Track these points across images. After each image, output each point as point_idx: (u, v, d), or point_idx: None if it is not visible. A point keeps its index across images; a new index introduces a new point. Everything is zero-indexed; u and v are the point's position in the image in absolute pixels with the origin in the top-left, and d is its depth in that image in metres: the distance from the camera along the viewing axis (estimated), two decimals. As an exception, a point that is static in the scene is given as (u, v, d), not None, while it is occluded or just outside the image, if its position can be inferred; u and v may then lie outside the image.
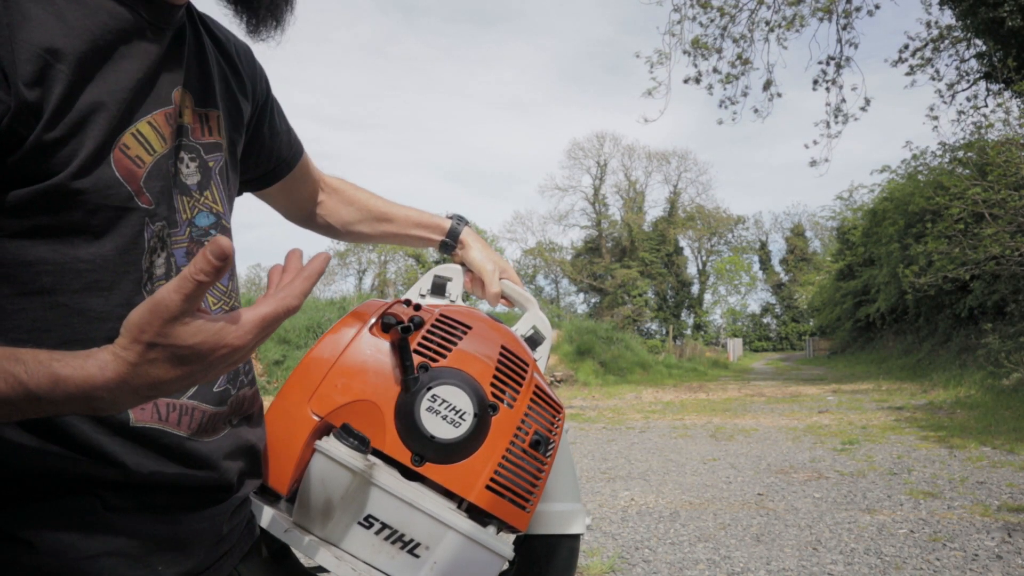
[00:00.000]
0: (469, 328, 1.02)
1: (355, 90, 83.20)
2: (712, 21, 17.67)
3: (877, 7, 17.23)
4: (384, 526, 0.93)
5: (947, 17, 16.74)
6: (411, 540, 0.93)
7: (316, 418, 0.95)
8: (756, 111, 19.89)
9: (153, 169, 0.77)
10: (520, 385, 1.01)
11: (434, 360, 0.97)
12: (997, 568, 3.54)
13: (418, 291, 1.31)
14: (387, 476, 0.93)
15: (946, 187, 13.69)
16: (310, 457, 0.94)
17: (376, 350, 0.98)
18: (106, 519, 0.74)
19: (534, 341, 1.31)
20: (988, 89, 16.98)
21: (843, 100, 27.44)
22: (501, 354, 1.02)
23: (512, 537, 1.03)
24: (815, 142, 22.87)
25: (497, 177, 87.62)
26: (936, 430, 8.47)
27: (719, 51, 18.05)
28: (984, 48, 15.76)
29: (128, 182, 0.75)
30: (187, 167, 0.83)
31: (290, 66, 78.77)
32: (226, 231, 0.89)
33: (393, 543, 0.93)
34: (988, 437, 7.68)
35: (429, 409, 0.93)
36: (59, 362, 0.60)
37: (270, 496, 1.00)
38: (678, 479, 6.12)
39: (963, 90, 17.68)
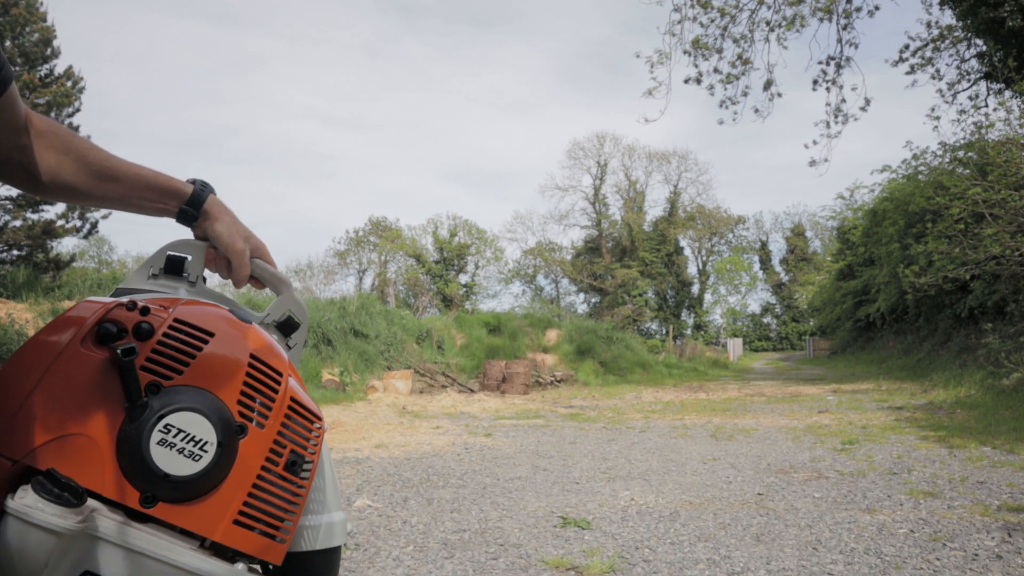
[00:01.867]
0: (211, 335, 0.86)
1: (354, 90, 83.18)
2: (712, 21, 17.67)
3: (877, 8, 17.23)
4: None
5: (947, 17, 16.74)
6: None
7: (8, 461, 0.76)
8: (756, 111, 19.91)
9: None
10: (273, 400, 0.87)
11: (167, 378, 0.81)
12: (997, 568, 3.53)
13: (149, 270, 1.07)
14: (108, 523, 0.76)
15: (946, 187, 13.69)
16: None
17: (89, 369, 0.79)
18: None
19: (289, 326, 1.14)
20: (989, 89, 16.98)
21: (843, 100, 27.43)
22: (250, 364, 0.87)
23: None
24: (815, 142, 22.83)
25: (497, 177, 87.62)
26: (936, 430, 8.46)
27: (719, 51, 18.05)
28: (984, 48, 15.75)
29: None
30: None
31: (291, 66, 78.73)
32: None
33: None
34: (988, 437, 7.67)
35: (161, 442, 0.77)
36: None
37: None
38: (678, 479, 6.11)
39: (964, 90, 17.69)
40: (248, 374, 0.86)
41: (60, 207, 15.29)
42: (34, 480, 0.73)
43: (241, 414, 0.84)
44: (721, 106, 18.79)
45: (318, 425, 0.93)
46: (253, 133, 79.06)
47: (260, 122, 79.72)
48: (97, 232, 16.73)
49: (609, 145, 57.06)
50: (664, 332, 48.12)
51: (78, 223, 15.71)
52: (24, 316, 12.01)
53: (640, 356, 23.26)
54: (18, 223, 15.12)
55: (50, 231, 15.19)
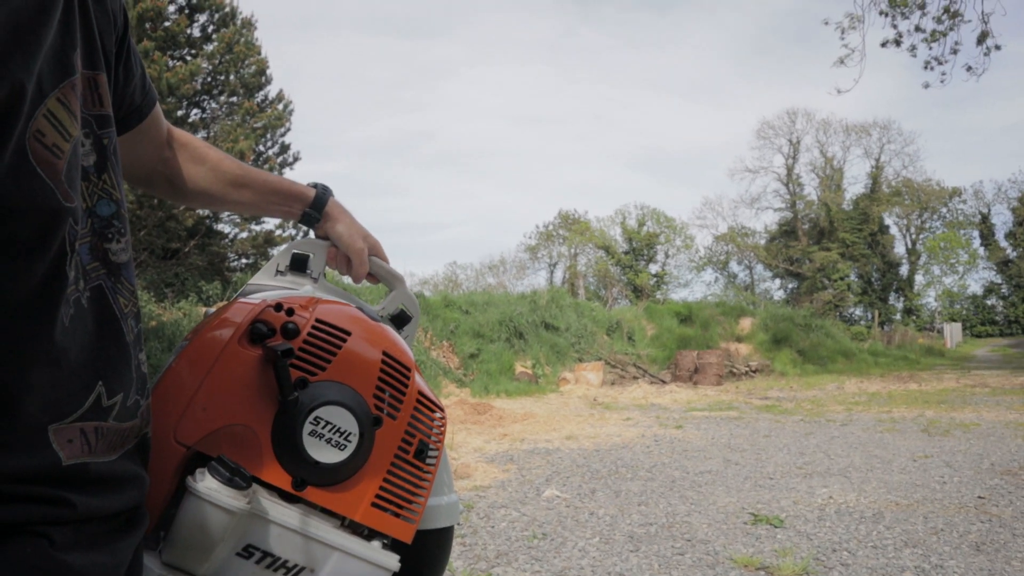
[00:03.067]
0: (348, 334, 0.92)
1: (537, 87, 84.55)
2: (914, -25, 16.18)
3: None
4: (265, 554, 0.86)
5: None
6: (295, 565, 0.87)
7: (183, 447, 0.85)
8: (969, 69, 17.90)
9: (71, 159, 0.63)
10: (403, 394, 0.95)
11: (312, 373, 0.88)
12: None
13: (275, 267, 1.16)
14: (266, 503, 0.86)
15: None
16: (175, 491, 0.85)
17: (247, 365, 0.87)
18: (55, 558, 0.64)
19: (402, 320, 1.21)
20: None
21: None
22: (383, 361, 0.94)
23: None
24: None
25: (683, 163, 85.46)
26: None
27: (922, 7, 16.50)
28: None
29: (49, 177, 0.60)
30: (84, 145, 0.68)
31: (476, 69, 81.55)
32: (124, 221, 0.74)
33: (276, 570, 0.87)
34: None
35: (312, 433, 0.86)
36: None
37: None
38: (883, 477, 5.72)
39: None
40: (382, 370, 0.93)
41: (277, 220, 16.93)
42: (210, 465, 0.82)
43: (376, 407, 0.91)
44: (926, 67, 17.14)
45: (440, 416, 1.00)
46: (446, 136, 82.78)
47: (452, 125, 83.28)
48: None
49: (801, 121, 53.86)
50: (869, 318, 44.77)
51: (293, 232, 17.32)
52: (251, 318, 13.45)
53: (842, 344, 21.88)
54: (244, 234, 16.92)
55: (270, 240, 16.85)
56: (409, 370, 0.97)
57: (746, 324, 22.44)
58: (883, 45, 17.03)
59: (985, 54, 16.98)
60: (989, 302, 55.22)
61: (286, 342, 0.87)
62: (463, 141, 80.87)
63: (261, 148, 16.30)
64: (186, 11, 15.41)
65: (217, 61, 15.53)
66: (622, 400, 12.96)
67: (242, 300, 0.98)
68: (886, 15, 16.68)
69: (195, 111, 16.21)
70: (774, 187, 50.90)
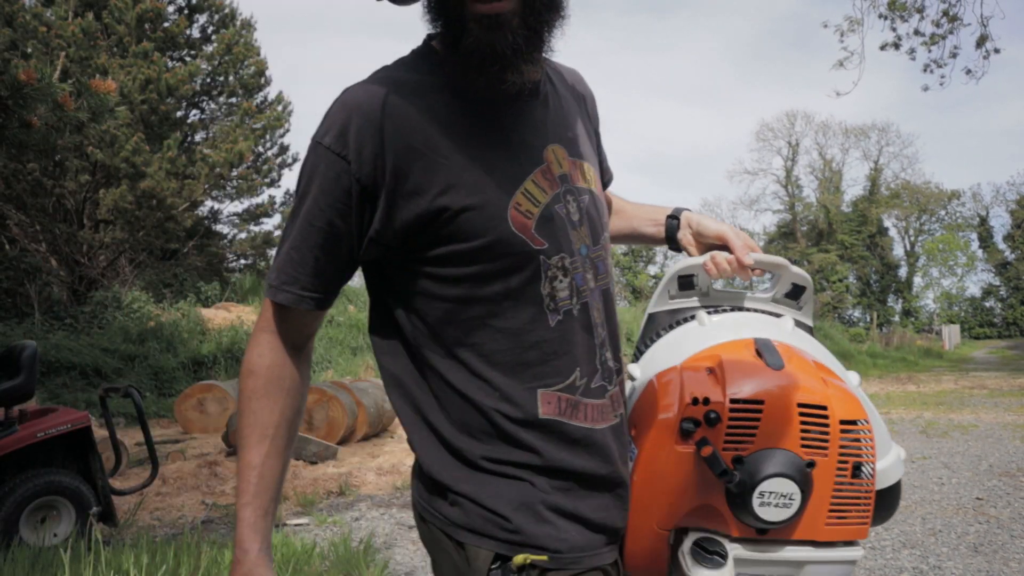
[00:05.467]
0: (762, 403, 1.02)
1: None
2: (913, -21, 16.19)
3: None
4: None
5: None
6: None
7: (665, 531, 1.07)
8: (969, 72, 17.91)
9: (540, 217, 0.99)
10: (827, 431, 1.03)
11: (743, 449, 1.02)
12: None
13: (667, 292, 1.28)
14: (743, 552, 1.05)
15: None
16: (672, 557, 1.09)
17: (689, 462, 1.02)
18: (538, 496, 0.97)
19: (797, 292, 1.27)
20: None
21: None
22: (800, 413, 1.02)
23: None
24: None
25: (683, 165, 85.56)
26: None
27: (920, 11, 16.51)
28: None
29: (520, 231, 0.97)
30: (571, 207, 1.03)
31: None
32: (595, 260, 1.06)
33: None
34: None
35: (761, 504, 1.00)
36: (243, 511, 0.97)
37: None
38: (882, 479, 5.73)
39: None
40: (802, 422, 1.02)
41: (276, 219, 16.91)
42: (693, 550, 1.05)
43: (806, 453, 1.02)
44: (925, 71, 17.11)
45: (864, 426, 1.07)
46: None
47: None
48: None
49: (800, 124, 53.91)
50: (868, 320, 44.80)
51: (291, 233, 17.34)
52: (251, 318, 13.43)
53: (840, 345, 21.88)
54: (244, 235, 16.92)
55: (269, 241, 16.84)
56: (824, 408, 1.04)
57: (745, 326, 22.39)
58: (882, 48, 17.05)
59: (984, 57, 17.02)
60: (987, 304, 55.28)
61: (707, 440, 1.01)
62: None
63: (260, 149, 16.29)
64: (185, 12, 15.41)
65: (216, 62, 15.53)
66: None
67: (665, 399, 1.08)
68: (885, 18, 16.71)
69: (194, 112, 16.21)
70: (773, 189, 50.93)
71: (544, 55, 0.99)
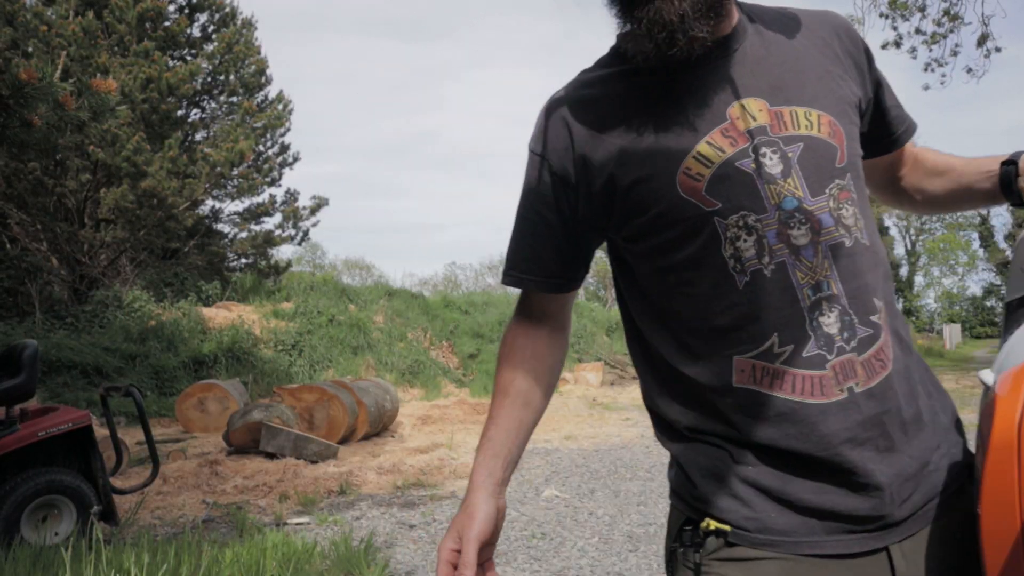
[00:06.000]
0: None
1: (537, 88, 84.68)
2: (914, -22, 16.18)
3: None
4: None
5: None
6: None
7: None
8: (969, 71, 17.91)
9: (713, 177, 0.96)
10: None
11: None
12: None
13: (1021, 273, 1.08)
14: None
15: None
16: None
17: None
18: (732, 468, 0.96)
19: None
20: None
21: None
22: None
23: None
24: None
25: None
26: None
27: (922, 9, 16.50)
28: None
29: (690, 195, 0.96)
30: (769, 160, 0.96)
31: (476, 71, 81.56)
32: (807, 213, 0.96)
33: None
34: None
35: None
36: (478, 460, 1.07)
37: None
38: (883, 478, 5.73)
39: None
40: None
41: (277, 218, 16.93)
42: None
43: None
44: (926, 69, 17.12)
45: None
46: (446, 138, 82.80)
47: (452, 127, 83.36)
48: (309, 239, 18.33)
49: (801, 122, 53.95)
50: (870, 319, 44.78)
51: (292, 232, 17.30)
52: (251, 317, 13.44)
53: (842, 345, 21.84)
54: (244, 234, 16.91)
55: (270, 240, 16.83)
56: None
57: (745, 325, 22.42)
58: (883, 47, 17.04)
59: (985, 56, 17.01)
60: (988, 303, 55.27)
61: None
62: (464, 143, 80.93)
63: (261, 148, 16.28)
64: (186, 11, 15.41)
65: (217, 61, 15.52)
66: (621, 400, 12.96)
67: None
68: (886, 17, 16.71)
69: (195, 111, 16.21)
70: (774, 188, 50.80)
71: (726, 12, 0.99)
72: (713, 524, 0.95)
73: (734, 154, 0.96)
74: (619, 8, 0.98)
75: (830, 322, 0.95)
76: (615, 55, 1.06)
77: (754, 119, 0.97)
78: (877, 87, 1.12)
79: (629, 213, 1.00)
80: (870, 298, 0.97)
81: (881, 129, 1.15)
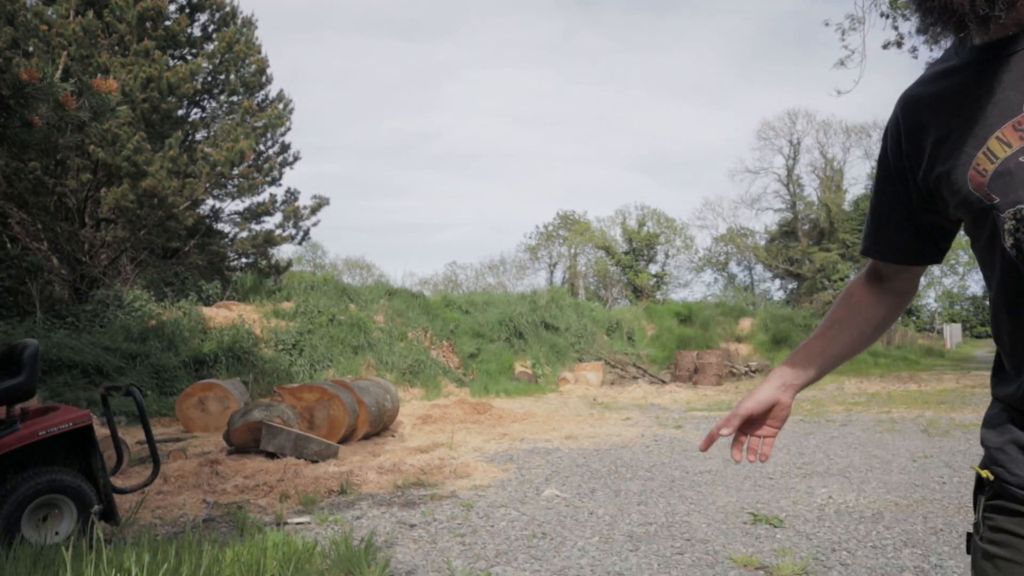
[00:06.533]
0: None
1: (537, 88, 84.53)
2: (915, -23, 16.11)
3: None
4: None
5: None
6: None
7: None
8: (971, 72, 17.85)
9: (995, 172, 1.02)
10: None
11: None
12: None
13: None
14: None
15: None
16: None
17: None
18: (1009, 429, 1.07)
19: None
20: None
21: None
22: None
23: None
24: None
25: (683, 164, 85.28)
26: None
27: (924, 10, 16.46)
28: None
29: (976, 190, 1.04)
30: None
31: (476, 71, 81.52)
32: None
33: None
34: None
35: None
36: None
37: None
38: (883, 477, 5.73)
39: None
40: None
41: (278, 217, 16.92)
42: None
43: None
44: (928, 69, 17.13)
45: None
46: (447, 137, 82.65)
47: (453, 126, 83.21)
48: (310, 239, 18.32)
49: (802, 122, 53.73)
50: (870, 318, 44.72)
51: (293, 231, 17.29)
52: (252, 317, 13.44)
53: (842, 345, 21.81)
54: (244, 234, 16.91)
55: (270, 239, 16.83)
56: None
57: (746, 324, 22.43)
58: (885, 47, 17.04)
59: (985, 55, 16.93)
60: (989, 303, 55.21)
61: None
62: (464, 142, 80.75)
63: (261, 147, 16.28)
64: (187, 10, 15.40)
65: (217, 60, 15.51)
66: (622, 400, 12.96)
67: None
68: (887, 17, 16.69)
69: (195, 110, 16.21)
70: (774, 188, 50.78)
71: (1014, 10, 1.00)
72: (985, 473, 1.08)
73: (1019, 149, 1.01)
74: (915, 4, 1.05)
75: None
76: (949, 51, 1.15)
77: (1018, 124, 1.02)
78: None
79: (943, 206, 1.12)
80: None
81: None
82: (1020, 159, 1.00)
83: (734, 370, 17.91)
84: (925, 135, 1.11)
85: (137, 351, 11.19)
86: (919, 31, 1.08)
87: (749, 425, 1.34)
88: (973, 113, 1.04)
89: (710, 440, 1.35)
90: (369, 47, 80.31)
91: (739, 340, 21.40)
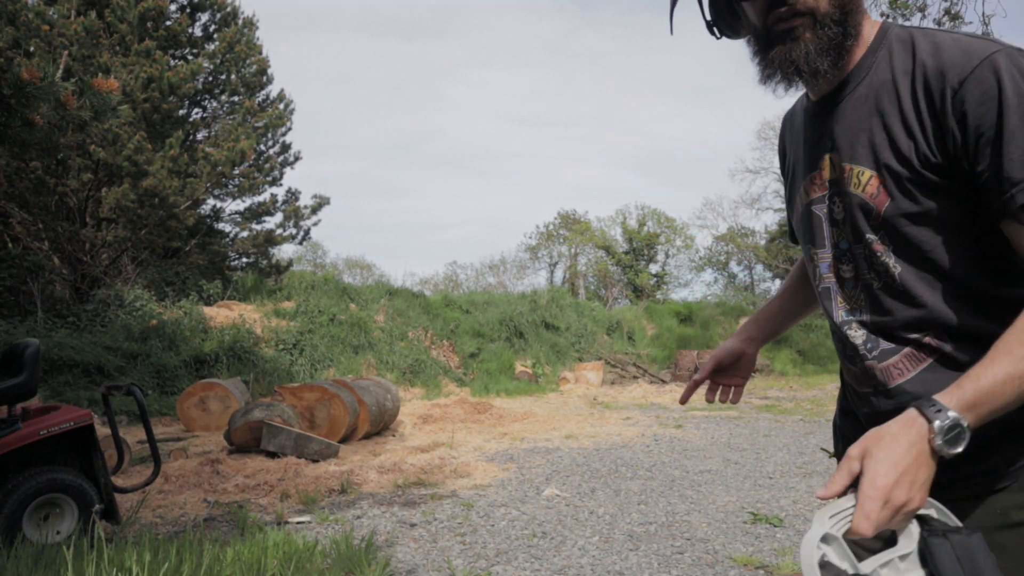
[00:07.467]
0: None
1: (537, 88, 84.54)
2: (915, -22, 16.16)
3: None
4: None
5: None
6: None
7: None
8: (971, 72, 17.84)
9: (799, 216, 1.29)
10: None
11: None
12: None
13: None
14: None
15: None
16: None
17: None
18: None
19: None
20: None
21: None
22: None
23: None
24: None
25: (683, 164, 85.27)
26: None
27: (922, 9, 16.48)
28: None
29: (794, 222, 1.34)
30: (836, 207, 1.20)
31: (476, 71, 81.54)
32: (857, 255, 1.18)
33: None
34: None
35: None
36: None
37: None
38: (883, 477, 5.72)
39: None
40: None
41: (278, 217, 16.92)
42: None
43: None
44: (929, 70, 17.13)
45: None
46: (447, 137, 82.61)
47: (453, 126, 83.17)
48: (310, 239, 18.31)
49: (803, 121, 53.84)
50: (871, 318, 44.70)
51: (294, 231, 17.29)
52: (252, 316, 13.44)
53: (843, 344, 21.83)
54: (245, 234, 16.91)
55: (271, 239, 16.82)
56: None
57: (746, 324, 22.38)
58: (884, 45, 17.01)
59: (986, 55, 16.93)
60: (990, 303, 55.19)
61: None
62: (464, 142, 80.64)
63: (262, 147, 16.28)
64: (187, 10, 15.40)
65: (218, 60, 15.52)
66: (622, 399, 12.97)
67: None
68: (887, 16, 16.68)
69: (196, 110, 16.21)
70: (774, 187, 50.80)
71: (837, 70, 1.15)
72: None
73: (817, 198, 1.23)
74: (758, 53, 1.22)
75: (852, 336, 1.21)
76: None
77: (833, 171, 1.19)
78: (975, 148, 1.02)
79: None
80: (890, 331, 1.15)
81: (983, 196, 1.04)
82: (815, 208, 1.23)
83: (734, 370, 17.88)
84: (786, 155, 1.38)
85: (138, 351, 11.20)
86: (760, 82, 1.20)
87: (720, 375, 1.61)
88: (801, 156, 1.27)
89: (690, 391, 1.59)
90: (369, 47, 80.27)
91: (740, 340, 21.36)
